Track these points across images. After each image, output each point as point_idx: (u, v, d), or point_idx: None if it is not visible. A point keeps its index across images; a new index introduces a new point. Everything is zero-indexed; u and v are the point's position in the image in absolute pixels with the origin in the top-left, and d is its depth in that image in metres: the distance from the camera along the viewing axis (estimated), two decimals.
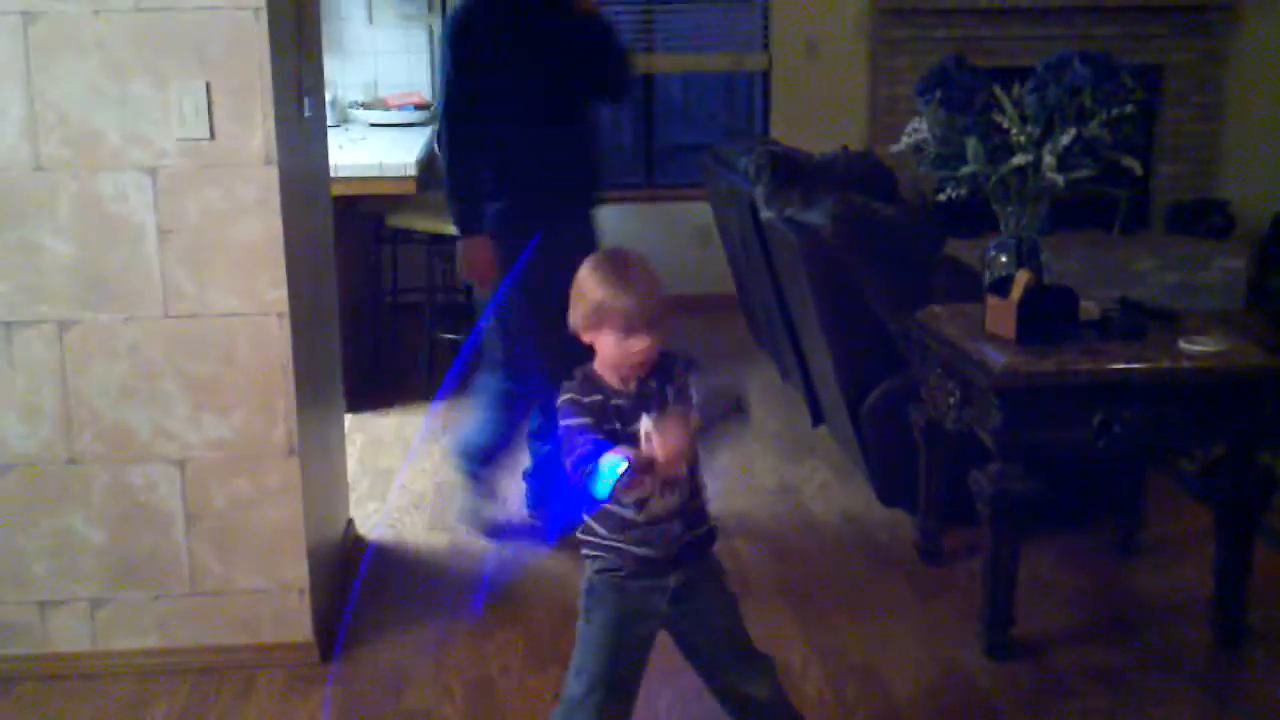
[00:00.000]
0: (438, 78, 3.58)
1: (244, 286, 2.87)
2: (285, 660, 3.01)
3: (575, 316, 2.16)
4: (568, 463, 2.11)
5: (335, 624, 3.18)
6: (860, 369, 3.74)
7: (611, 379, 2.16)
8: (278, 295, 2.88)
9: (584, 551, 2.26)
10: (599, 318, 2.11)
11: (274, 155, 2.82)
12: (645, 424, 2.03)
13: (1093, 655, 3.08)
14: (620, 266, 2.15)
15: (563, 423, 2.14)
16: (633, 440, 2.07)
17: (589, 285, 2.13)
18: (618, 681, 2.23)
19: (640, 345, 2.10)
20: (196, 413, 2.92)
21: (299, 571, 3.02)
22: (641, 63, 6.48)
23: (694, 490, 2.21)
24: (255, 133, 2.81)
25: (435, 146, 3.69)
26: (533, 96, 3.50)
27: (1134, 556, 3.58)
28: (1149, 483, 3.64)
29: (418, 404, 4.93)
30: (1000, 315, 3.08)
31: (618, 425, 2.12)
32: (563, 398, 2.15)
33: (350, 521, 3.73)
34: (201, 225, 2.84)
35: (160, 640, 3.02)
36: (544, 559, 3.60)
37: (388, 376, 5.16)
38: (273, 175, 2.83)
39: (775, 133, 6.28)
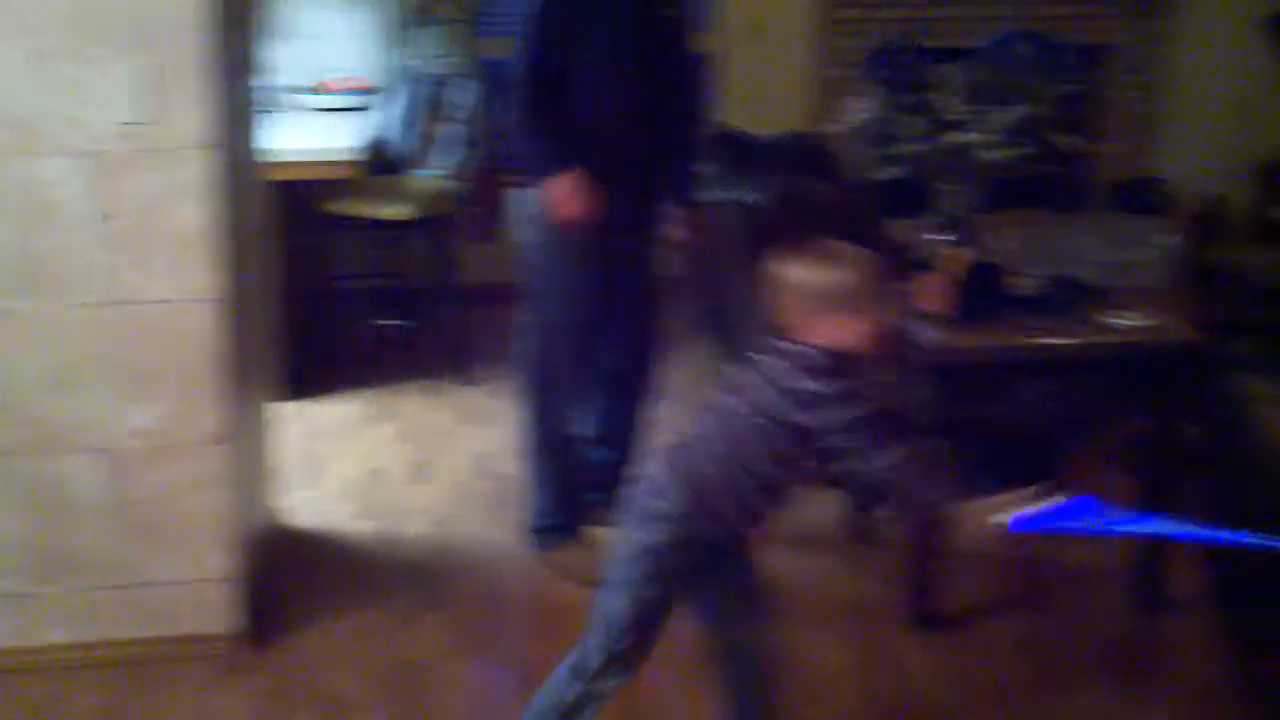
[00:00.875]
0: (518, 42, 3.38)
1: (181, 272, 2.82)
2: (209, 651, 2.98)
3: (798, 312, 2.16)
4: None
5: (261, 613, 3.15)
6: None
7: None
8: (214, 281, 2.84)
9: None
10: (840, 300, 2.12)
11: (213, 139, 2.78)
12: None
13: (1016, 626, 3.12)
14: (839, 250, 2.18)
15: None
16: None
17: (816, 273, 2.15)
18: (642, 627, 2.28)
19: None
20: (123, 402, 2.87)
21: (225, 561, 2.99)
22: None
23: None
24: (194, 117, 2.76)
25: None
26: (616, 85, 3.30)
27: None
28: (1075, 454, 3.66)
29: (354, 391, 4.89)
30: (934, 292, 3.09)
31: None
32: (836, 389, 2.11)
33: (280, 510, 3.69)
34: (141, 210, 2.78)
35: (83, 634, 2.97)
36: (470, 545, 3.58)
37: (326, 364, 5.12)
38: (211, 159, 2.78)
39: (723, 115, 6.27)
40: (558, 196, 3.21)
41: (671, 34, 3.38)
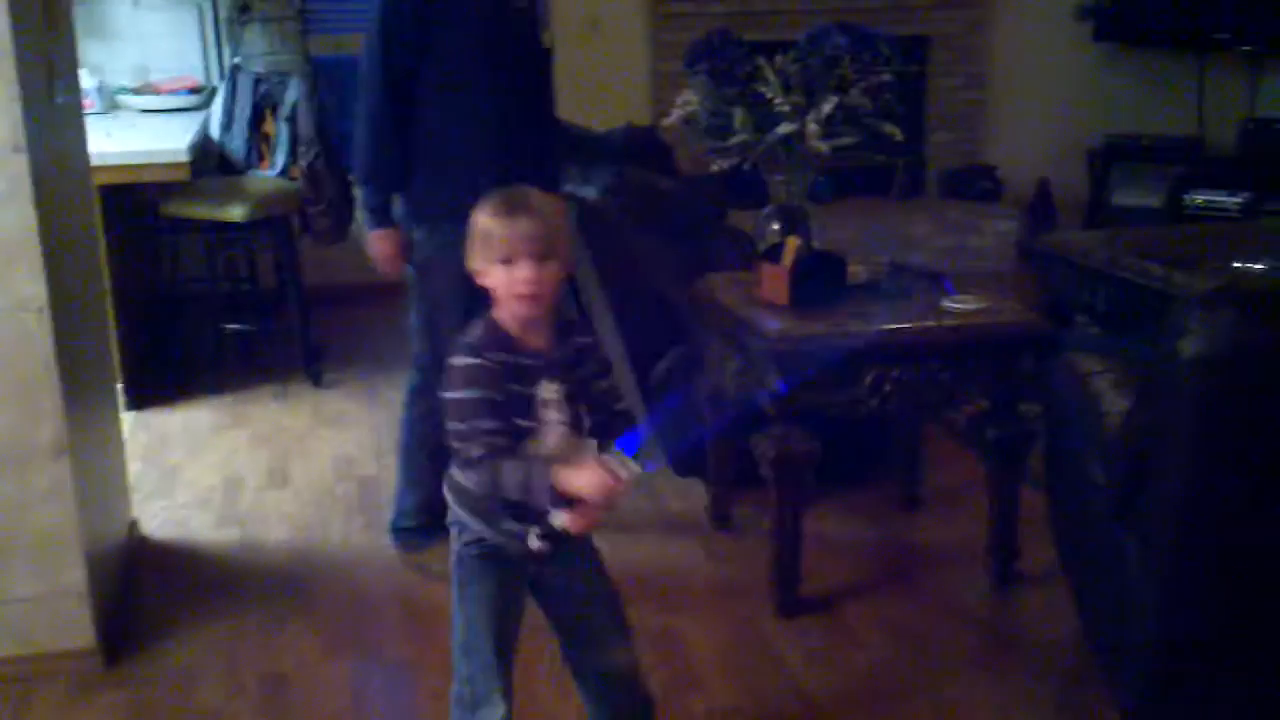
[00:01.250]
0: (364, 47, 3.22)
1: None
2: (66, 669, 2.90)
3: (470, 258, 2.07)
4: (455, 436, 2.01)
5: (119, 627, 3.08)
6: (645, 341, 3.79)
7: (514, 330, 2.05)
8: (35, 289, 2.75)
9: (450, 523, 2.19)
10: (486, 248, 2.03)
11: (23, 142, 2.68)
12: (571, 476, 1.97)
13: (879, 607, 3.20)
14: (510, 197, 2.06)
15: (451, 393, 2.02)
16: (527, 403, 2.02)
17: (479, 218, 2.05)
18: (506, 650, 2.18)
19: (523, 274, 2.00)
20: None
21: (77, 575, 2.91)
22: None
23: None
24: (1, 119, 2.67)
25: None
26: (480, 84, 3.23)
27: (914, 510, 3.73)
28: (926, 438, 3.79)
29: (204, 398, 4.79)
30: (773, 281, 3.16)
31: (516, 387, 2.03)
32: (458, 362, 2.03)
33: (134, 522, 3.61)
34: None
35: None
36: (332, 549, 3.55)
37: (171, 371, 5.01)
38: (22, 163, 2.69)
39: (559, 109, 6.28)
40: (376, 251, 3.32)
41: (524, 29, 3.36)
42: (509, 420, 2.01)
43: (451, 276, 2.82)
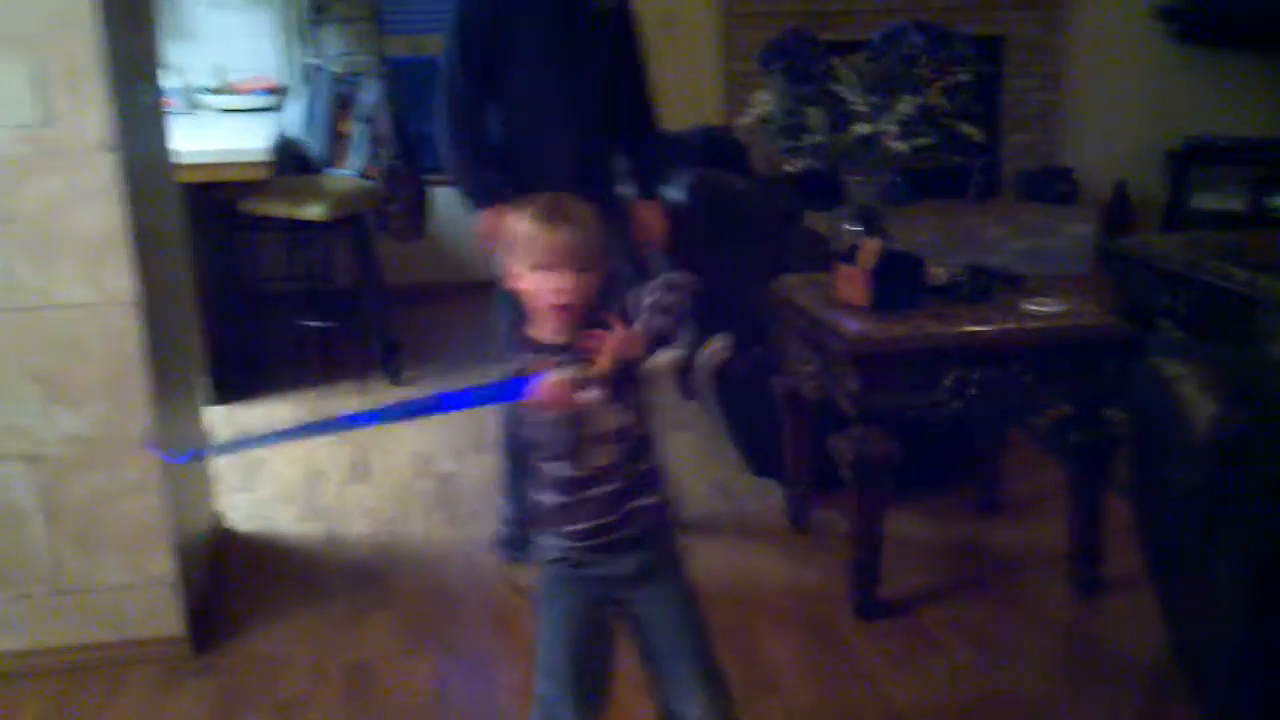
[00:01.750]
0: (442, 45, 3.27)
1: (89, 276, 2.80)
2: (156, 655, 2.96)
3: (509, 259, 2.05)
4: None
5: (207, 616, 3.14)
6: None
7: (547, 336, 2.05)
8: (126, 284, 2.82)
9: (536, 538, 2.16)
10: (524, 253, 2.01)
11: (113, 140, 2.75)
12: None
13: (957, 611, 3.18)
14: (549, 204, 2.04)
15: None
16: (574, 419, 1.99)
17: (517, 223, 2.04)
18: (586, 673, 2.12)
19: (560, 283, 1.98)
20: (49, 407, 2.85)
21: (166, 565, 2.97)
22: None
23: (638, 452, 2.07)
24: (92, 118, 2.73)
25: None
26: (553, 92, 3.24)
27: (994, 514, 3.70)
28: (1007, 442, 3.76)
29: (285, 393, 4.87)
30: (851, 283, 3.15)
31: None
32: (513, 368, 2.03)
33: (219, 514, 3.67)
34: (41, 214, 2.76)
35: (26, 642, 2.95)
36: (413, 543, 3.59)
37: (253, 367, 5.08)
38: (113, 161, 2.76)
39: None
40: (486, 230, 3.25)
41: (607, 38, 3.36)
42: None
43: None
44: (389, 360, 5.04)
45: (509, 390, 1.96)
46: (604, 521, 2.06)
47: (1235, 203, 6.42)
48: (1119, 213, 6.74)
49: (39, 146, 2.73)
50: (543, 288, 2.00)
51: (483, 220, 3.28)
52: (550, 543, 2.12)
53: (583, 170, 3.26)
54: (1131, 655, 2.96)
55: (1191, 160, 6.67)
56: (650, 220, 3.49)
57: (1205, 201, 6.56)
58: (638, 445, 2.07)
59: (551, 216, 2.01)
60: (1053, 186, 6.69)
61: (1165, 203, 6.78)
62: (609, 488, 2.05)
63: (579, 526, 2.07)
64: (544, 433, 2.02)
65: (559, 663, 2.12)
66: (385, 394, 4.87)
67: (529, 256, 2.01)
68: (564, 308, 2.00)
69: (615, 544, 2.08)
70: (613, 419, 2.02)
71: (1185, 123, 6.76)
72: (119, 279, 2.82)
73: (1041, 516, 3.62)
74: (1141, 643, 2.98)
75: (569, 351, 1.99)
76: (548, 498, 2.08)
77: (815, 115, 3.34)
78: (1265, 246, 4.21)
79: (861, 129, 3.29)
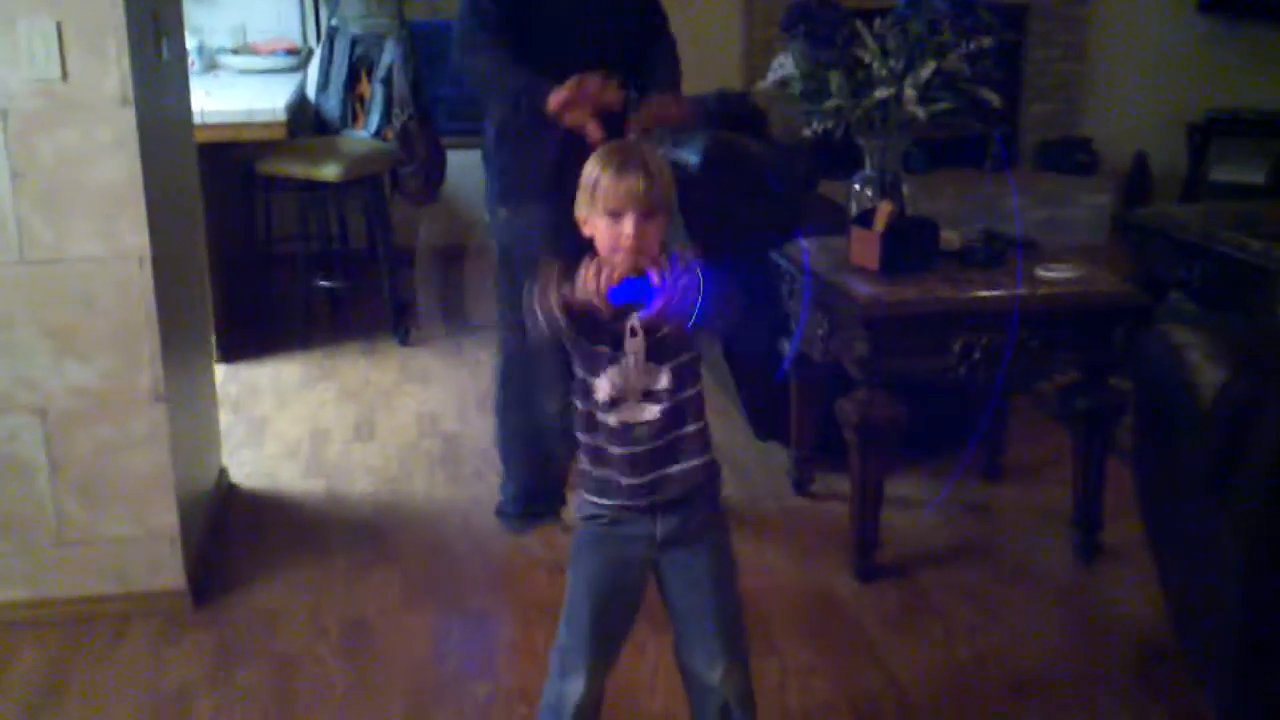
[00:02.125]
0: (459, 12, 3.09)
1: (103, 230, 2.81)
2: (157, 608, 2.98)
3: (578, 208, 2.07)
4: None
5: (208, 570, 3.16)
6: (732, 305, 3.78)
7: (590, 293, 2.01)
8: (138, 239, 2.82)
9: (578, 495, 2.17)
10: (593, 199, 2.02)
11: (131, 96, 2.75)
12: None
13: (957, 574, 3.18)
14: (623, 149, 2.07)
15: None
16: (617, 337, 2.00)
17: (589, 167, 2.06)
18: (605, 630, 2.15)
19: (628, 229, 1.99)
20: (58, 360, 2.86)
21: (169, 518, 2.99)
22: None
23: (680, 415, 2.07)
24: (110, 73, 2.73)
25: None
26: (570, 61, 2.99)
27: (998, 480, 3.69)
28: (1013, 410, 3.75)
29: (293, 353, 4.88)
30: (865, 246, 3.13)
31: (591, 330, 2.02)
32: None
33: (223, 470, 3.69)
34: (56, 167, 2.77)
35: (28, 592, 2.97)
36: (416, 501, 3.60)
37: (263, 325, 5.10)
38: (130, 117, 2.76)
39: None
40: (569, 98, 2.89)
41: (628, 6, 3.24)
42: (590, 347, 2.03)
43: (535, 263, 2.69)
44: (398, 321, 5.05)
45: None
46: (640, 481, 2.07)
47: (1255, 175, 6.36)
48: (1138, 184, 6.68)
49: (56, 100, 2.74)
50: (611, 232, 2.01)
51: (555, 97, 2.90)
52: (587, 499, 2.14)
53: (609, 128, 3.16)
54: (1130, 621, 2.96)
55: (1212, 132, 6.61)
56: (668, 106, 3.21)
57: (1225, 174, 6.50)
58: (679, 408, 2.07)
59: (624, 163, 2.02)
60: (1072, 157, 6.64)
61: (1184, 175, 6.73)
62: (646, 447, 2.06)
63: (619, 481, 2.08)
64: (584, 347, 2.03)
65: (579, 615, 2.15)
66: (393, 355, 4.88)
67: (599, 201, 2.02)
68: (631, 252, 2.00)
69: (650, 506, 2.09)
70: (651, 378, 2.04)
71: (1207, 95, 6.69)
72: (132, 234, 2.83)
73: (1043, 483, 3.62)
74: (1140, 608, 2.98)
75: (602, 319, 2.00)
76: (589, 448, 2.10)
77: (835, 80, 3.31)
78: None
79: (881, 93, 3.26)
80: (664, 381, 2.04)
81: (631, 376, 2.03)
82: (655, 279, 1.94)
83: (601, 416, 2.06)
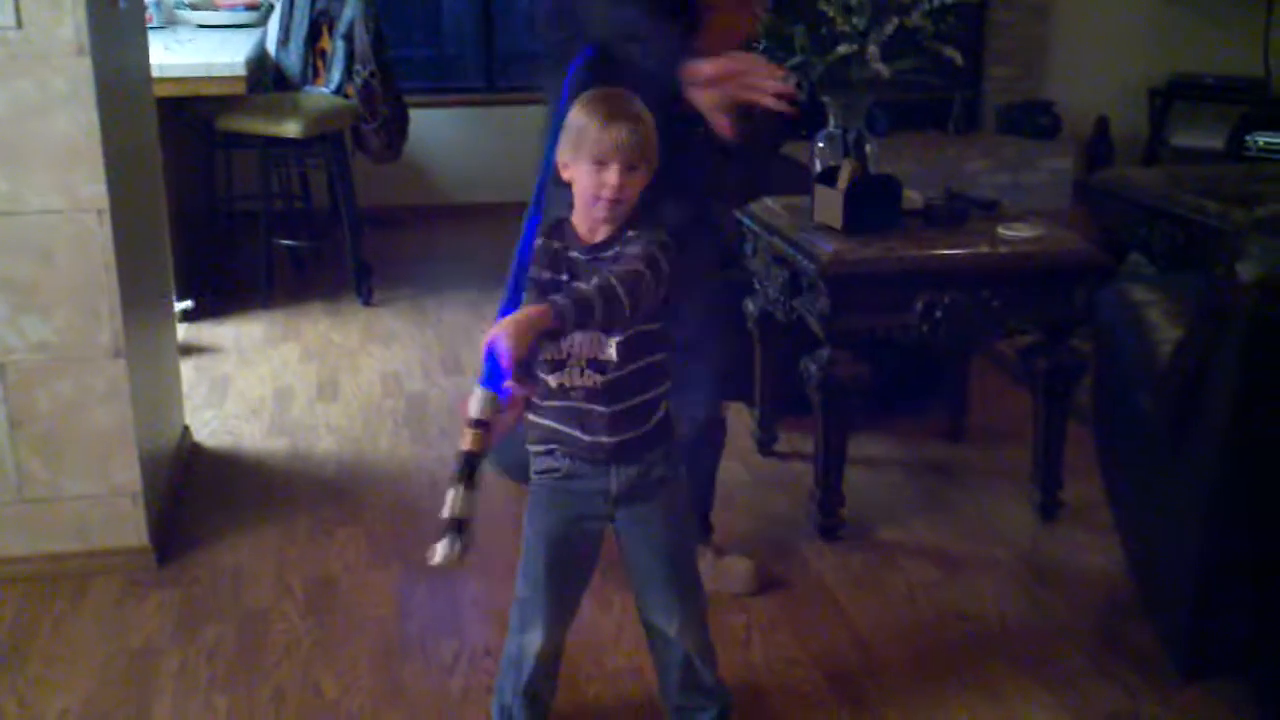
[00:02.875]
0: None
1: (59, 183, 2.77)
2: (120, 566, 2.97)
3: (559, 152, 2.07)
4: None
5: (171, 528, 3.15)
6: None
7: (581, 227, 2.06)
8: (96, 191, 2.79)
9: (528, 447, 2.18)
10: (576, 145, 2.02)
11: (86, 46, 2.71)
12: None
13: (919, 533, 3.21)
14: (607, 97, 2.06)
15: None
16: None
17: (574, 113, 2.05)
18: (561, 583, 2.18)
19: (611, 179, 1.99)
20: (16, 315, 2.83)
21: (131, 475, 2.97)
22: None
23: (631, 383, 2.07)
24: (65, 21, 2.69)
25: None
26: None
27: (959, 440, 3.72)
28: (973, 368, 3.78)
29: (255, 311, 4.85)
30: (827, 204, 3.14)
31: (565, 276, 2.04)
32: (537, 242, 2.08)
33: (186, 428, 3.67)
34: (11, 118, 2.72)
35: None
36: (379, 460, 3.60)
37: (224, 284, 5.06)
38: (86, 66, 2.72)
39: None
40: (730, 70, 2.41)
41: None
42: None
43: None
44: (361, 281, 5.02)
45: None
46: (585, 439, 2.09)
47: (1215, 141, 6.41)
48: (1099, 149, 6.72)
49: (10, 49, 2.69)
50: (593, 181, 2.01)
51: (713, 65, 2.43)
52: (540, 454, 2.15)
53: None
54: (1090, 577, 3.00)
55: (1173, 97, 6.66)
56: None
57: (1185, 139, 6.56)
58: (627, 378, 2.08)
59: (611, 113, 2.02)
60: (1034, 120, 6.67)
61: (1145, 139, 6.77)
62: (595, 408, 2.07)
63: (562, 434, 2.10)
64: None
65: (536, 568, 2.18)
66: (356, 315, 4.86)
67: (584, 149, 2.02)
68: (611, 202, 2.02)
69: (604, 461, 2.11)
70: (598, 348, 2.05)
71: (1168, 60, 6.74)
72: (89, 186, 2.79)
73: (1004, 443, 3.65)
74: (1100, 566, 3.02)
75: (599, 251, 2.03)
76: (541, 407, 2.11)
77: (800, 35, 3.30)
78: (1240, 181, 4.21)
79: (844, 49, 3.26)
80: (610, 353, 2.06)
81: (576, 343, 2.04)
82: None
83: (543, 375, 2.09)
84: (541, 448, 2.15)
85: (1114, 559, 2.92)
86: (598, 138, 2.00)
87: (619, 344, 2.05)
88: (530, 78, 5.57)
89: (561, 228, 2.09)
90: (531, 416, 2.14)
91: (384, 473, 3.53)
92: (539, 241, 2.08)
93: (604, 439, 2.09)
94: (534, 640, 2.19)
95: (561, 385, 2.08)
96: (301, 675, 2.60)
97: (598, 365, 2.06)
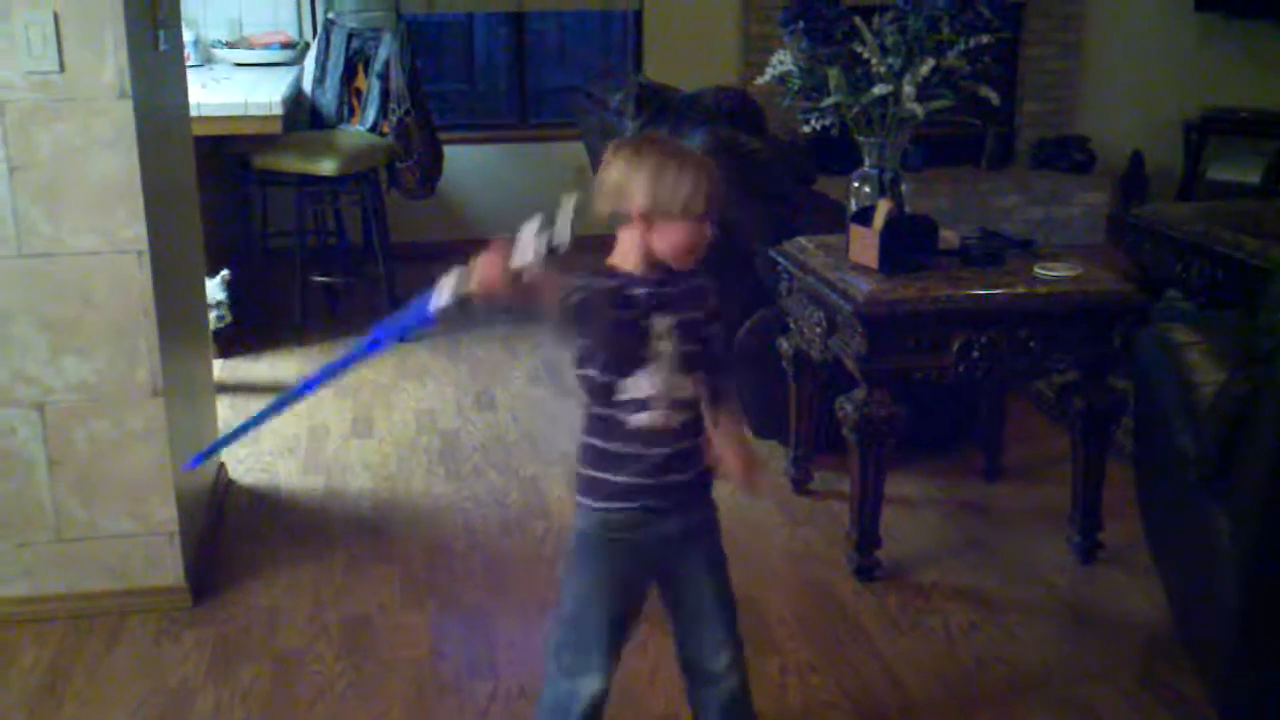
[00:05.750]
0: None
1: (100, 224, 2.80)
2: (156, 604, 2.97)
3: (626, 205, 2.00)
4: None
5: (207, 567, 3.16)
6: (731, 303, 3.78)
7: (626, 264, 2.04)
8: (136, 233, 2.81)
9: (579, 499, 2.14)
10: (667, 200, 1.97)
11: (128, 89, 2.74)
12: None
13: (957, 574, 3.18)
14: (671, 146, 2.05)
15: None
16: (642, 333, 2.00)
17: (642, 163, 2.00)
18: (619, 629, 2.17)
19: (708, 231, 2.00)
20: (56, 355, 2.86)
21: (168, 515, 2.98)
22: (513, 1, 6.43)
23: (698, 423, 2.11)
24: (107, 65, 2.73)
25: None
26: None
27: (997, 479, 3.70)
28: (1010, 408, 3.76)
29: (290, 348, 4.87)
30: (863, 244, 3.13)
31: (629, 314, 2.00)
32: (571, 300, 1.99)
33: (222, 465, 3.68)
34: (54, 160, 2.76)
35: (28, 589, 2.96)
36: (414, 498, 3.60)
37: (260, 321, 5.09)
38: (127, 109, 2.75)
39: (649, 72, 6.28)
40: None
41: None
42: (621, 345, 2.01)
43: None
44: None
45: (422, 306, 2.01)
46: (657, 482, 2.08)
47: (1251, 175, 6.37)
48: (1134, 183, 6.69)
49: (53, 93, 2.73)
50: (693, 233, 2.00)
51: None
52: (594, 505, 2.12)
53: None
54: (1130, 620, 2.97)
55: (1208, 131, 6.63)
56: None
57: (1221, 173, 6.52)
58: (698, 417, 2.10)
59: (685, 161, 2.01)
60: (1068, 155, 6.65)
61: (1181, 174, 6.74)
62: (666, 450, 2.07)
63: (633, 483, 2.08)
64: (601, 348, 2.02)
65: (591, 616, 2.14)
66: (390, 351, 4.87)
67: (676, 203, 1.99)
68: (692, 253, 2.02)
69: (665, 508, 2.10)
70: (680, 386, 2.05)
71: (1203, 94, 6.71)
72: (129, 227, 2.82)
73: (1043, 483, 3.63)
74: (1140, 607, 2.99)
75: (649, 284, 2.02)
76: (603, 451, 2.08)
77: (834, 76, 3.31)
78: (1278, 217, 4.18)
79: (880, 90, 3.26)
80: (690, 390, 2.07)
81: (661, 382, 2.04)
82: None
83: (623, 417, 2.05)
84: (593, 499, 2.11)
85: (1155, 602, 2.89)
86: (691, 193, 1.98)
87: (694, 381, 2.07)
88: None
89: (600, 271, 2.04)
90: (586, 465, 2.11)
91: (418, 511, 3.53)
92: (580, 296, 2.00)
93: (674, 478, 2.09)
94: (589, 685, 2.15)
95: (639, 429, 2.05)
96: (335, 717, 2.60)
97: (679, 403, 2.06)
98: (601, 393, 2.05)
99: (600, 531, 2.13)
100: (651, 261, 2.03)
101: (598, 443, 2.09)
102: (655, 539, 2.12)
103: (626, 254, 2.04)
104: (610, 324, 2.02)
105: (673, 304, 2.03)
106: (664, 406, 2.05)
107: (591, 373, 2.04)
